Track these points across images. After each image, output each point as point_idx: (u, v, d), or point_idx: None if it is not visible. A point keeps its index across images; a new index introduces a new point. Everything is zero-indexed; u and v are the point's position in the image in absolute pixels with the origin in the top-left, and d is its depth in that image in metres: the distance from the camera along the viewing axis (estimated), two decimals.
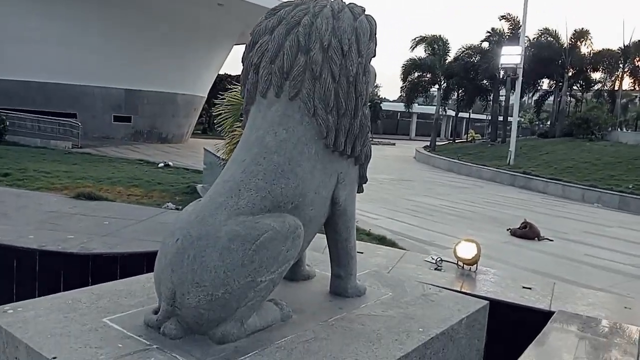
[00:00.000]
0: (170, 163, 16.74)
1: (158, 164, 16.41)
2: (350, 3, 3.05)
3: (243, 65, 3.07)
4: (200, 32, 26.08)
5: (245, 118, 3.03)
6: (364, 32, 2.92)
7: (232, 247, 2.37)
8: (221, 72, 33.82)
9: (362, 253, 5.61)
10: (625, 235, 11.65)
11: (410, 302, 3.22)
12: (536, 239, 10.16)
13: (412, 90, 37.46)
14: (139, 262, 5.00)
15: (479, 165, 24.06)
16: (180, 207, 8.35)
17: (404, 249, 6.98)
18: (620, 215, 14.90)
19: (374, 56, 3.08)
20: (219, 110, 8.45)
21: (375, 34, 3.07)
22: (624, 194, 16.46)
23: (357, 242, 6.34)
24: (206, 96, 30.67)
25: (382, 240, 7.91)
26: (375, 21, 3.07)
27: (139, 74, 25.47)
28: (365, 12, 3.06)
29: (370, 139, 3.19)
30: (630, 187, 17.04)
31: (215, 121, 9.19)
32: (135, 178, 12.45)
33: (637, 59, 32.93)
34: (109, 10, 23.13)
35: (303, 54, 2.77)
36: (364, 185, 3.23)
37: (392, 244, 7.71)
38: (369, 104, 3.21)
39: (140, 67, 25.09)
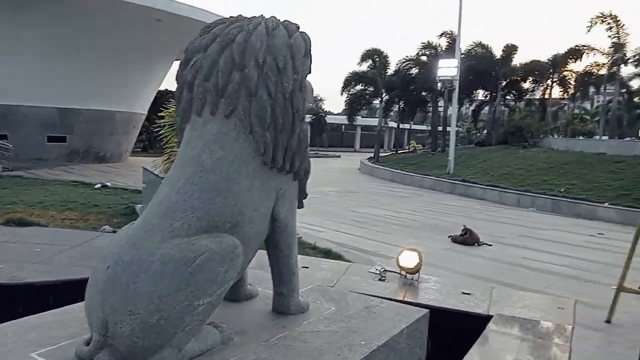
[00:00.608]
0: (107, 183, 16.14)
1: (95, 184, 15.79)
2: (284, 21, 3.07)
3: (177, 83, 3.03)
4: (138, 48, 25.48)
5: (180, 137, 2.98)
6: (299, 49, 2.95)
7: (166, 271, 2.30)
8: (162, 87, 33.17)
9: (307, 268, 5.61)
10: (559, 237, 12.28)
11: (352, 315, 3.24)
12: (476, 244, 10.53)
13: (355, 103, 38.14)
14: (73, 291, 4.75)
15: (421, 174, 24.72)
16: (118, 230, 8.06)
17: (350, 261, 7.04)
18: (554, 218, 15.67)
19: (310, 73, 3.12)
20: (160, 126, 8.29)
21: (310, 50, 3.10)
22: (556, 198, 17.34)
23: (302, 256, 6.31)
24: (146, 113, 29.93)
25: (327, 254, 7.94)
26: (309, 38, 3.11)
27: (74, 92, 24.53)
28: (300, 30, 3.09)
29: (309, 155, 3.20)
30: (562, 190, 17.98)
31: (158, 137, 9.04)
32: (69, 201, 11.90)
33: (565, 69, 35.02)
34: (43, 28, 22.21)
35: (238, 71, 2.76)
36: (304, 200, 3.24)
37: (338, 257, 7.76)
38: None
39: (75, 85, 24.17)
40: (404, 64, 37.43)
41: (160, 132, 9.20)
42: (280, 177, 2.92)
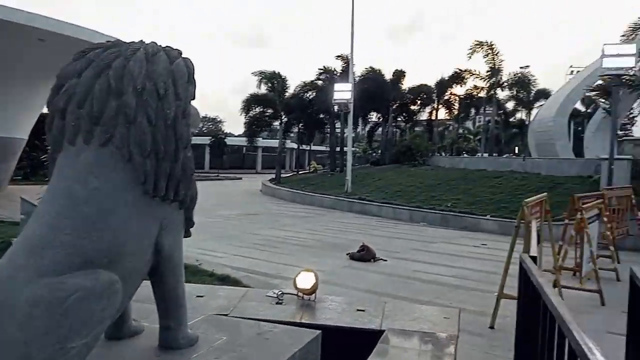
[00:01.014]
0: None
1: None
2: (166, 46, 3.02)
3: (48, 110, 2.85)
4: (18, 69, 23.50)
5: (51, 167, 2.79)
6: (181, 75, 2.92)
7: (34, 314, 2.13)
8: (45, 111, 30.79)
9: (202, 297, 5.45)
10: (448, 249, 13.07)
11: (244, 343, 3.20)
12: (372, 260, 10.90)
13: (255, 125, 38.17)
14: None
15: (321, 194, 25.20)
16: None
17: (248, 286, 6.96)
18: (443, 231, 16.67)
19: (194, 99, 3.09)
20: (43, 151, 7.67)
21: (194, 76, 3.08)
22: (444, 212, 18.50)
23: (198, 285, 6.13)
24: (27, 138, 27.60)
25: (225, 280, 7.79)
26: (192, 64, 3.08)
27: None
28: (183, 55, 3.06)
29: (195, 182, 3.15)
30: (449, 205, 19.23)
31: (41, 163, 8.36)
32: None
33: (449, 92, 37.80)
34: None
35: (114, 97, 2.67)
36: (191, 228, 3.18)
37: (236, 282, 7.63)
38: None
39: None
40: (302, 88, 38.28)
41: (43, 158, 8.54)
42: (164, 207, 2.84)
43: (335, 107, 29.58)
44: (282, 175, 36.78)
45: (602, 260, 10.02)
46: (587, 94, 33.27)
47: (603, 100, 28.47)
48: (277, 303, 5.46)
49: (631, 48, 15.33)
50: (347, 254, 11.29)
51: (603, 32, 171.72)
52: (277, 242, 13.46)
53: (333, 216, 20.20)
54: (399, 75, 36.57)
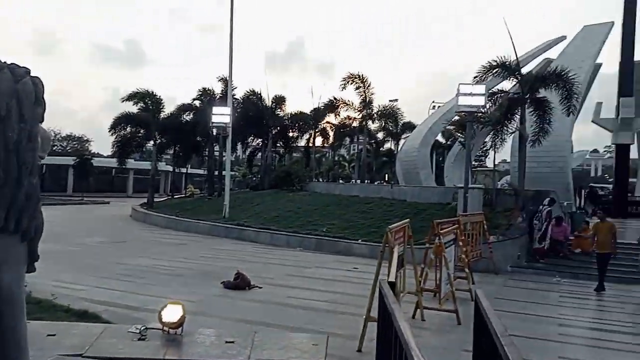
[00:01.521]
0: None
1: None
2: (11, 63, 2.76)
3: None
4: None
5: None
6: (27, 95, 2.67)
7: None
8: None
9: (53, 335, 4.94)
10: (321, 273, 13.37)
11: None
12: (247, 288, 10.76)
13: (126, 145, 36.12)
14: None
15: (197, 220, 24.45)
16: None
17: (108, 322, 6.46)
18: (318, 256, 17.03)
19: (42, 121, 2.84)
20: None
21: (43, 97, 2.83)
22: (319, 237, 18.95)
23: (51, 322, 5.55)
24: None
25: (83, 315, 7.15)
26: (42, 84, 2.84)
27: None
28: (31, 74, 2.81)
29: (41, 211, 2.87)
30: (324, 230, 19.76)
31: None
32: None
33: (324, 120, 39.16)
34: None
35: None
36: (35, 262, 2.88)
37: (95, 318, 7.05)
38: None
39: None
40: (179, 108, 37.20)
41: None
42: (4, 239, 2.55)
43: (214, 130, 29.13)
44: (156, 200, 35.12)
45: (459, 282, 10.94)
46: (447, 127, 36.61)
47: (460, 134, 31.48)
48: (139, 339, 5.13)
49: (481, 89, 17.26)
50: (222, 283, 11.04)
51: (464, 70, 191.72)
52: (146, 271, 12.74)
53: (209, 243, 19.67)
54: (279, 101, 37.22)
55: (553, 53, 32.58)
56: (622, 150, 29.30)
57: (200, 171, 61.48)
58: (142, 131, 35.88)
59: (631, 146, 30.39)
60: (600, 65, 33.78)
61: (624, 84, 28.04)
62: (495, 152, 22.83)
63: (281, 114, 37.77)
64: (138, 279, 11.63)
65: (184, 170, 49.29)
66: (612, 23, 30.47)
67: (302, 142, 42.05)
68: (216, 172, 36.57)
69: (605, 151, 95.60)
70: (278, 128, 37.97)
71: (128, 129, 35.50)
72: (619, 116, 27.70)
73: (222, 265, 13.81)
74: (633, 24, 27.82)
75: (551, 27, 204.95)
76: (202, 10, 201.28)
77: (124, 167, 40.03)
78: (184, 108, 37.25)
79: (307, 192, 29.99)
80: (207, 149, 38.63)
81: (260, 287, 10.95)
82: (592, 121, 29.28)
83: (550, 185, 20.65)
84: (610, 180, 46.74)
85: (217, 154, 37.65)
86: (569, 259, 15.51)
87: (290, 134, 40.07)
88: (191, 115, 36.65)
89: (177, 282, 11.40)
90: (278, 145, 41.54)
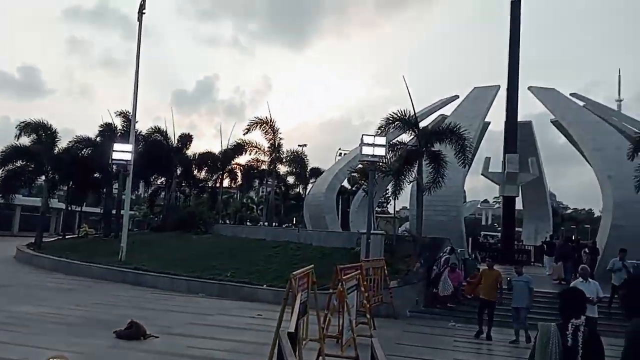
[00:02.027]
0: None
1: None
2: None
3: None
4: None
5: None
6: None
7: None
8: None
9: None
10: (224, 321, 12.99)
11: None
12: (142, 338, 10.17)
13: (14, 180, 33.25)
14: None
15: (89, 263, 22.81)
16: None
17: None
18: (221, 302, 16.54)
19: None
20: None
21: None
22: (223, 282, 18.46)
23: None
24: None
25: None
26: None
27: None
28: None
29: None
30: (229, 275, 19.31)
31: None
32: None
33: (233, 162, 38.76)
34: None
35: None
36: None
37: None
38: None
39: None
40: (76, 143, 35.15)
41: None
42: None
43: (114, 167, 27.80)
44: (45, 240, 32.39)
45: (361, 327, 11.14)
46: (352, 174, 37.89)
47: (363, 182, 32.70)
48: None
49: (382, 140, 18.26)
50: (114, 332, 10.33)
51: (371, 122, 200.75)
52: (30, 319, 11.63)
53: (103, 288, 18.39)
54: (186, 140, 36.54)
55: (447, 110, 35.39)
56: (508, 202, 31.98)
57: (97, 210, 57.98)
58: (32, 165, 33.32)
59: (517, 198, 33.32)
60: (488, 123, 37.17)
61: (509, 141, 30.98)
62: (395, 200, 23.98)
63: (188, 153, 37.08)
64: (20, 328, 10.57)
65: (78, 208, 46.22)
66: (499, 86, 33.85)
67: (209, 183, 41.29)
68: (114, 211, 34.65)
69: (494, 201, 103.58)
70: (184, 167, 37.12)
71: (17, 163, 32.81)
72: (505, 170, 30.37)
73: (117, 313, 12.96)
74: (516, 89, 31.09)
75: (446, 86, 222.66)
76: (108, 43, 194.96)
77: (9, 203, 36.70)
78: (81, 142, 35.26)
79: (212, 234, 29.31)
80: (105, 187, 36.65)
81: (157, 337, 10.40)
82: (482, 174, 31.79)
83: (446, 233, 21.94)
84: (499, 229, 50.60)
85: (116, 191, 35.83)
86: (462, 304, 16.39)
87: (197, 174, 39.29)
88: (90, 151, 34.76)
89: (65, 332, 10.51)
90: (183, 185, 40.45)
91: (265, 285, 17.68)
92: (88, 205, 52.09)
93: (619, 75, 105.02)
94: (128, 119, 33.20)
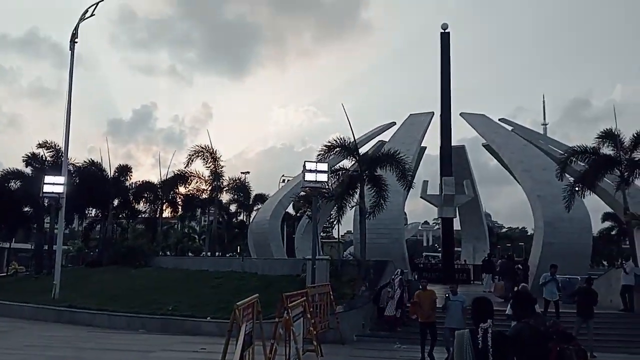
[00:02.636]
0: None
1: None
2: None
3: None
4: None
5: None
6: None
7: None
8: None
9: None
10: (167, 357, 12.57)
11: None
12: None
13: None
14: None
15: (19, 302, 21.41)
16: None
17: None
18: (163, 337, 15.93)
19: None
20: None
21: None
22: (165, 317, 17.82)
23: None
24: None
25: None
26: None
27: None
28: None
29: None
30: (170, 309, 18.67)
31: None
32: None
33: (173, 191, 37.79)
34: None
35: None
36: None
37: None
38: None
39: None
40: (4, 175, 33.31)
41: None
42: None
43: (46, 201, 26.47)
44: None
45: (308, 355, 11.12)
46: (296, 200, 37.95)
47: (307, 208, 32.82)
48: None
49: (324, 166, 18.53)
50: None
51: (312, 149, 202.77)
52: None
53: (36, 329, 17.29)
54: (123, 170, 35.45)
55: (386, 136, 36.49)
56: (447, 223, 33.14)
57: (27, 246, 54.63)
58: None
59: (454, 219, 34.57)
60: (425, 148, 38.58)
61: (445, 165, 32.31)
62: (339, 225, 24.26)
63: (126, 183, 35.92)
64: None
65: (7, 244, 43.49)
66: (433, 113, 35.37)
67: (148, 214, 40.00)
68: (46, 247, 32.84)
69: (434, 223, 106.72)
70: (121, 199, 35.89)
71: None
72: (442, 193, 31.53)
73: (52, 354, 12.25)
74: (449, 115, 32.60)
75: (384, 113, 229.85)
76: (38, 72, 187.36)
77: None
78: (9, 175, 33.45)
79: (152, 267, 28.35)
80: (36, 221, 34.76)
81: None
82: (421, 197, 32.84)
83: (389, 255, 22.40)
84: (439, 249, 52.10)
85: (48, 226, 34.07)
86: (407, 326, 16.66)
87: (135, 205, 38.03)
88: (19, 184, 32.99)
89: None
90: (121, 216, 39.02)
91: (209, 318, 17.23)
92: (18, 241, 48.99)
93: (544, 101, 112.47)
94: (56, 149, 31.90)
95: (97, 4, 25.16)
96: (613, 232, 41.89)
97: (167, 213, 40.18)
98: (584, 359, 5.02)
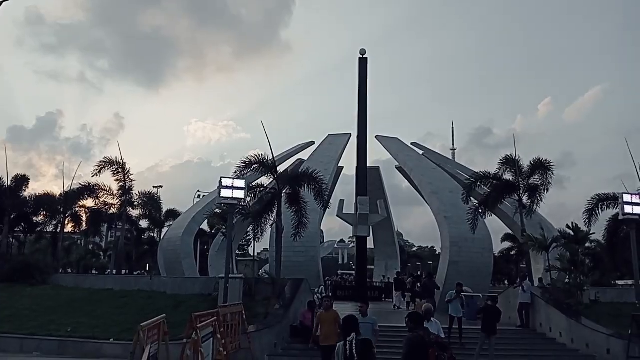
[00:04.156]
0: None
1: None
2: None
3: None
4: None
5: None
6: None
7: None
8: None
9: None
10: None
11: None
12: None
13: None
14: None
15: None
16: None
17: None
18: None
19: None
20: None
21: None
22: (62, 338, 16.59)
23: None
24: None
25: None
26: None
27: None
28: None
29: None
30: (69, 330, 17.41)
31: None
32: None
33: (77, 204, 35.45)
34: None
35: None
36: None
37: None
38: None
39: None
40: None
41: None
42: None
43: None
44: None
45: None
46: (211, 217, 37.13)
47: (222, 225, 32.26)
48: None
49: (242, 183, 18.30)
50: None
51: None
52: None
53: None
54: (21, 181, 32.81)
55: (304, 155, 36.91)
56: (361, 242, 33.85)
57: None
58: None
59: (368, 238, 35.41)
60: (342, 168, 39.45)
61: (360, 185, 33.13)
62: (255, 242, 24.01)
63: (24, 195, 33.23)
64: None
65: None
66: (350, 134, 36.32)
67: (49, 228, 37.16)
68: None
69: (350, 241, 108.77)
70: (18, 211, 33.11)
71: None
72: (357, 212, 32.26)
73: None
74: (365, 136, 33.58)
75: (303, 131, 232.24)
76: None
77: None
78: None
79: (50, 285, 26.30)
80: None
81: None
82: (337, 215, 33.37)
83: (304, 273, 22.45)
84: (354, 267, 53.10)
85: None
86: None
87: (34, 218, 35.21)
88: None
89: None
90: (18, 230, 35.97)
91: (112, 340, 16.25)
92: None
93: (452, 127, 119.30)
94: None
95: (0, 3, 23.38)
96: (512, 252, 44.77)
97: (70, 228, 37.61)
98: None
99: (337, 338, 10.52)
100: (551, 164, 23.58)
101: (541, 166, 23.46)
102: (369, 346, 5.84)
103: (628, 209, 17.66)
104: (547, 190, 23.42)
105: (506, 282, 52.23)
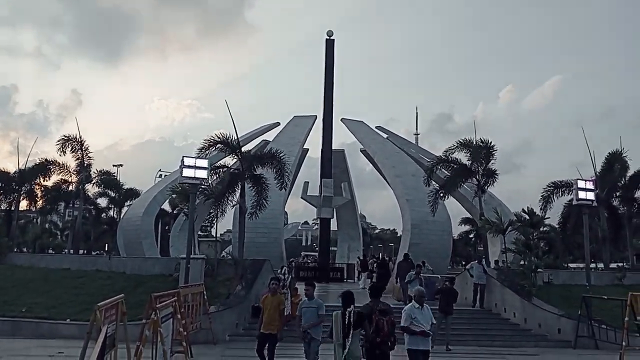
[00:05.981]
0: None
1: None
2: None
3: None
4: None
5: None
6: None
7: None
8: None
9: None
10: None
11: None
12: None
13: None
14: None
15: None
16: None
17: None
18: (14, 342, 14.45)
19: None
20: None
21: None
22: (16, 319, 16.18)
23: None
24: None
25: None
26: None
27: None
28: None
29: None
30: (23, 310, 16.96)
31: None
32: None
33: (35, 181, 34.17)
34: None
35: None
36: None
37: None
38: None
39: None
40: None
41: None
42: None
43: None
44: None
45: (177, 356, 10.72)
46: (173, 197, 36.54)
47: (184, 205, 31.82)
48: None
49: (205, 162, 17.99)
50: None
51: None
52: None
53: None
54: None
55: (269, 136, 36.66)
56: (324, 224, 34.08)
57: None
58: None
59: (332, 220, 35.68)
60: (307, 150, 39.38)
61: (325, 167, 33.23)
62: (218, 223, 23.80)
63: None
64: None
65: None
66: (316, 116, 36.25)
67: (2, 206, 35.77)
68: None
69: (314, 223, 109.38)
70: None
71: None
72: (321, 194, 32.39)
73: None
74: (331, 119, 33.60)
75: (269, 112, 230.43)
76: None
77: None
78: None
79: (4, 265, 25.44)
80: None
81: None
82: (302, 197, 33.45)
83: (267, 254, 22.46)
84: (317, 248, 53.51)
85: None
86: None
87: None
88: None
89: None
90: None
91: (68, 320, 15.95)
92: None
93: (417, 112, 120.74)
94: None
95: None
96: (471, 235, 45.96)
97: (24, 205, 36.31)
98: (392, 326, 7.55)
99: (279, 326, 10.15)
100: (494, 148, 24.24)
101: (485, 147, 24.05)
102: (362, 318, 7.38)
103: (582, 194, 18.31)
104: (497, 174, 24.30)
105: (464, 263, 53.72)
